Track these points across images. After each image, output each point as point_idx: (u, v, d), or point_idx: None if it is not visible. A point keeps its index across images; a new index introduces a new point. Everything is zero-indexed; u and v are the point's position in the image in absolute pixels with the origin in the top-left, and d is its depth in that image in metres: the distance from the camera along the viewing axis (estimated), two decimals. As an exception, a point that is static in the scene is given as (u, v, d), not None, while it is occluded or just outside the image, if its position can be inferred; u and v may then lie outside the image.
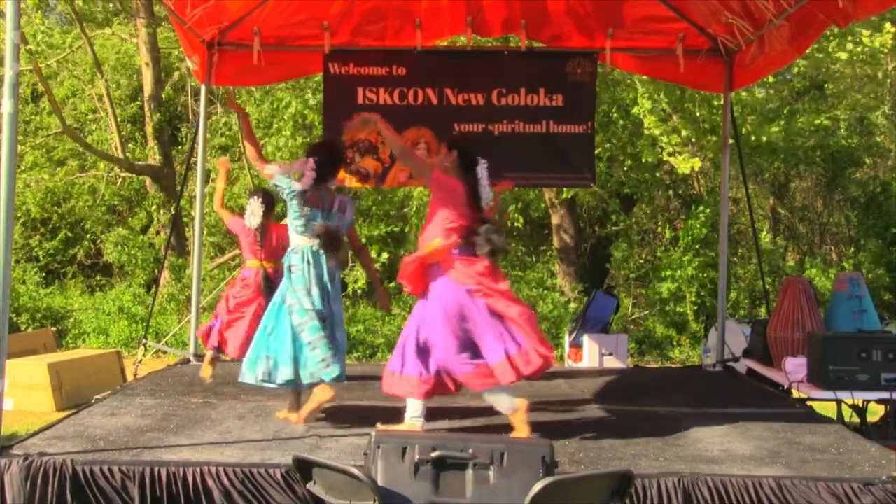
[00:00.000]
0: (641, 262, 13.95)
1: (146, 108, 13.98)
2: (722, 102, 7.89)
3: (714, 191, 13.66)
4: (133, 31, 14.28)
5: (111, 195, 14.74)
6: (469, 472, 3.22)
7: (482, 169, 4.50)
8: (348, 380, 5.83)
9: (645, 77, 9.94)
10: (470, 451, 3.23)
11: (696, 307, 12.38)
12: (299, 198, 4.68)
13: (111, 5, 14.05)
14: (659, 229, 14.76)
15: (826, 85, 13.22)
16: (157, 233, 14.05)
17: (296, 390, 4.76)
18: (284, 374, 4.63)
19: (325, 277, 4.73)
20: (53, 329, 11.80)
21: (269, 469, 3.59)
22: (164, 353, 9.03)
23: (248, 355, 4.81)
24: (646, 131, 11.28)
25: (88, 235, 15.27)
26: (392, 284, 10.66)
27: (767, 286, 8.92)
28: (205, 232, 13.15)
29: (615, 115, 12.23)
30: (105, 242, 14.60)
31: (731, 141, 7.21)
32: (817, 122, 11.93)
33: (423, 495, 3.17)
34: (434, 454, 3.22)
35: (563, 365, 9.57)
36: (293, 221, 4.75)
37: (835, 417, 5.19)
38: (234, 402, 5.18)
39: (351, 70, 7.08)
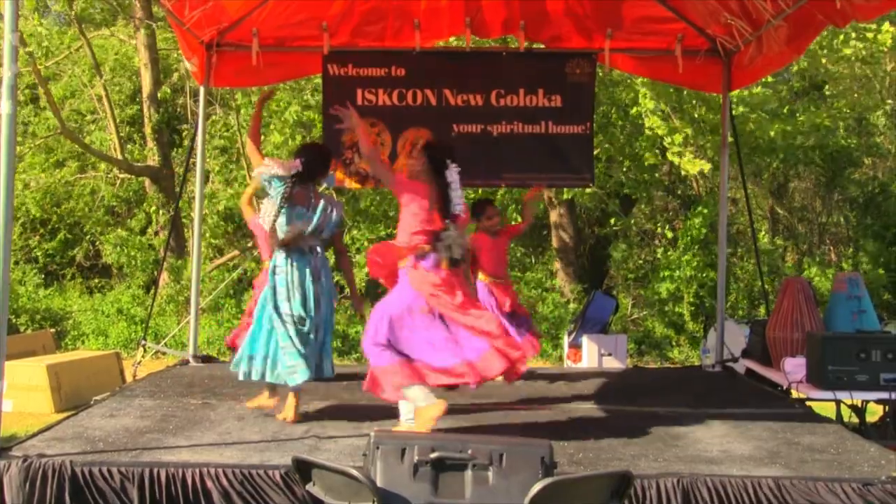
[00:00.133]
0: (640, 262, 13.96)
1: (145, 109, 13.98)
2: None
3: (713, 191, 13.66)
4: (132, 32, 14.28)
5: (110, 196, 14.73)
6: (468, 473, 3.22)
7: (452, 173, 4.44)
8: (348, 380, 5.87)
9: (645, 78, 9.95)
10: (469, 451, 3.23)
11: (694, 307, 12.39)
12: (283, 193, 4.75)
13: (108, 6, 14.06)
14: (658, 230, 14.77)
15: (825, 86, 13.23)
16: (156, 234, 14.04)
17: (272, 385, 4.90)
18: (259, 371, 4.81)
19: (308, 280, 4.78)
20: (52, 330, 11.78)
21: (268, 470, 3.60)
22: (164, 354, 9.02)
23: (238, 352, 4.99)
24: (648, 132, 11.30)
25: (87, 237, 15.26)
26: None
27: (766, 286, 8.92)
28: (208, 234, 13.21)
29: (614, 115, 12.25)
30: (104, 244, 14.59)
31: (730, 140, 7.22)
32: (818, 120, 11.94)
33: (423, 496, 3.17)
34: (433, 455, 3.22)
35: (562, 365, 9.58)
36: (279, 220, 4.80)
37: (834, 418, 5.19)
38: (233, 404, 5.17)
39: (350, 71, 7.08)
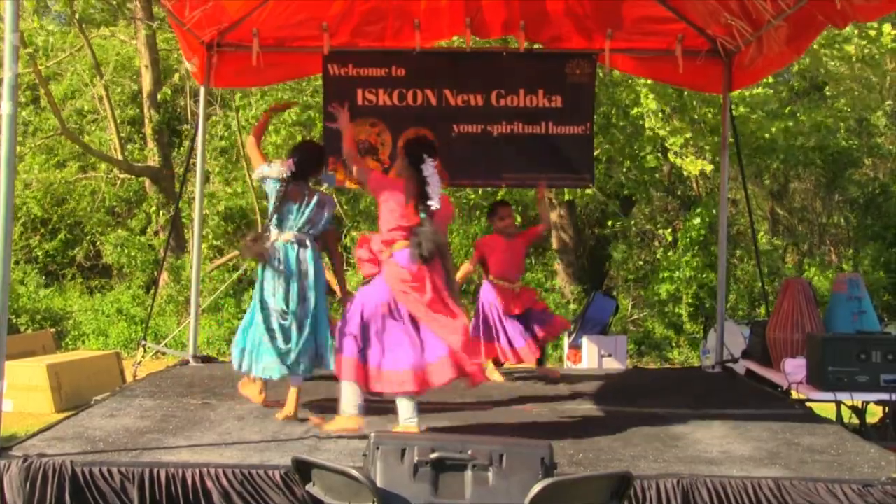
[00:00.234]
0: (640, 263, 13.96)
1: (145, 110, 13.98)
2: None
3: (713, 192, 13.66)
4: (133, 33, 14.28)
5: (111, 197, 14.73)
6: (468, 474, 3.22)
7: (429, 167, 4.40)
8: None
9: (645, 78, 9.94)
10: (469, 452, 3.23)
11: (694, 308, 12.38)
12: (279, 191, 4.85)
13: (109, 6, 14.05)
14: (658, 230, 14.77)
15: (826, 87, 13.22)
16: (156, 234, 14.04)
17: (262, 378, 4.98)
18: (247, 363, 4.90)
19: (294, 275, 4.83)
20: (53, 330, 11.78)
21: (268, 470, 3.60)
22: (164, 354, 9.02)
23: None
24: (649, 132, 11.29)
25: (88, 237, 15.26)
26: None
27: (766, 287, 8.92)
28: (209, 235, 13.21)
29: (614, 116, 12.24)
30: (104, 244, 14.60)
31: (730, 140, 7.22)
32: (819, 118, 11.93)
33: (423, 496, 3.17)
34: (433, 455, 3.22)
35: (562, 366, 9.57)
36: (272, 215, 4.90)
37: (834, 419, 5.19)
38: (233, 404, 5.18)
39: (350, 71, 7.08)
